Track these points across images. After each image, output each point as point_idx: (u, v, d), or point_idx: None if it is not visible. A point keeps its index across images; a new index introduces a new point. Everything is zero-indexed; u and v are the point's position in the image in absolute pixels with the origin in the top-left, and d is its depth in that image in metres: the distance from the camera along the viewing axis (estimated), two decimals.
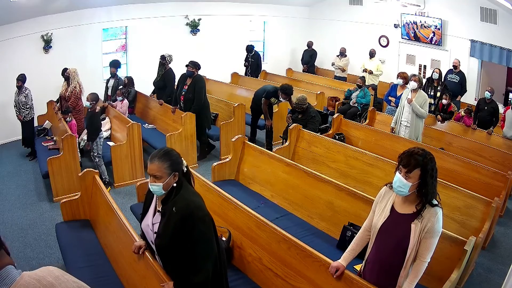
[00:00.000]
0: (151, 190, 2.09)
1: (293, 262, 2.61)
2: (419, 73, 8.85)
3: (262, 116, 6.28)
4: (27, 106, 5.78)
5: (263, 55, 10.57)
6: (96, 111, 5.00)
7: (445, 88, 6.64)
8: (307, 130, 5.09)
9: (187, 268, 2.07)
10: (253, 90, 6.71)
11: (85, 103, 5.02)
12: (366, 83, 7.85)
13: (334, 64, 9.43)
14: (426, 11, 8.53)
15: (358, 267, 2.57)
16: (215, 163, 4.41)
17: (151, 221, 2.17)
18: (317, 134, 5.21)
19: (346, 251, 2.38)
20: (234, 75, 9.13)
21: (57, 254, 3.72)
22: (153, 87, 6.95)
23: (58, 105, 6.13)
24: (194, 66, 5.76)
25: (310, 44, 10.08)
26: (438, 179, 2.14)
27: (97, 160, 5.09)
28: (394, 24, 9.25)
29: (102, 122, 5.97)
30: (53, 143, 5.68)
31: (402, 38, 9.22)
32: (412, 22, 8.83)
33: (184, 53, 8.03)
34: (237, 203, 3.15)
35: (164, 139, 5.47)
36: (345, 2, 10.22)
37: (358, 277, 2.29)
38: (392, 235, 2.12)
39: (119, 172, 5.21)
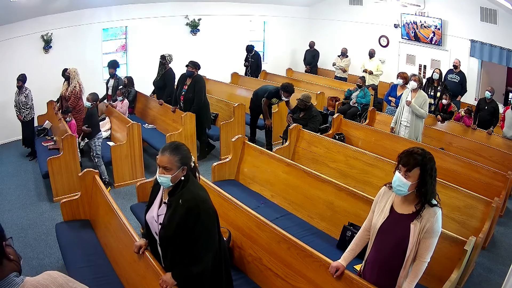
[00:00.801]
0: (159, 181, 2.14)
1: (293, 262, 2.61)
2: (419, 73, 8.85)
3: (262, 116, 6.29)
4: (27, 106, 5.78)
5: (263, 55, 10.56)
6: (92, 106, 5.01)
7: (445, 88, 6.64)
8: (307, 130, 5.10)
9: (187, 258, 2.12)
10: (253, 90, 6.71)
11: (86, 103, 5.03)
12: (366, 83, 7.85)
13: (335, 65, 9.43)
14: (426, 11, 8.53)
15: (358, 267, 2.57)
16: (215, 163, 4.41)
17: (156, 213, 2.21)
18: (317, 134, 5.21)
19: (346, 251, 2.38)
20: (234, 75, 9.13)
21: (57, 254, 3.72)
22: (153, 87, 6.95)
23: (58, 104, 6.13)
24: (194, 66, 5.77)
25: (312, 45, 10.07)
26: (438, 179, 2.14)
27: (96, 160, 5.09)
28: (394, 24, 9.25)
29: (102, 122, 5.99)
30: (53, 143, 5.68)
31: (402, 38, 9.22)
32: (412, 22, 8.83)
33: (184, 53, 8.03)
34: (237, 203, 3.15)
35: (164, 139, 5.46)
36: (345, 2, 10.22)
37: (358, 277, 2.29)
38: (392, 235, 2.12)
39: (119, 172, 5.21)
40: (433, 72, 6.69)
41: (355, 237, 2.40)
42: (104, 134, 5.79)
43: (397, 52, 9.44)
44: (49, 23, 6.92)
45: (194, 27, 9.01)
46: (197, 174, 2.29)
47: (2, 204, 4.78)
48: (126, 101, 6.39)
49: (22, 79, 5.68)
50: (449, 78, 7.36)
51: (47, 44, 7.03)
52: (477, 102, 6.81)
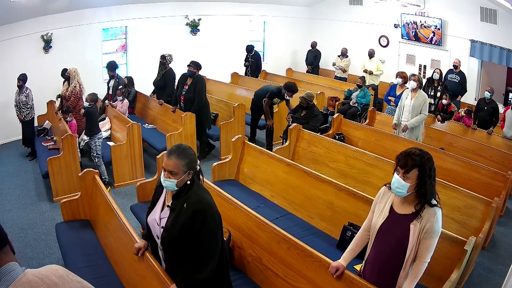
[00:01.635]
0: (164, 185, 2.10)
1: (293, 262, 2.61)
2: (419, 73, 8.85)
3: (263, 116, 6.28)
4: (28, 106, 5.78)
5: (263, 55, 10.56)
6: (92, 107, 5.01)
7: (445, 88, 6.64)
8: (307, 130, 5.10)
9: (190, 264, 2.08)
10: (253, 90, 6.71)
11: (85, 103, 5.03)
12: (366, 83, 7.85)
13: (335, 65, 9.43)
14: (426, 11, 8.53)
15: (358, 267, 2.57)
16: (215, 163, 4.41)
17: (159, 216, 2.17)
18: (317, 134, 5.21)
19: (346, 251, 2.38)
20: (234, 75, 9.13)
21: (57, 254, 3.72)
22: (153, 87, 6.95)
23: (58, 104, 6.13)
24: (195, 66, 5.77)
25: (314, 45, 10.06)
26: (438, 179, 2.14)
27: (96, 160, 5.10)
28: (394, 24, 9.25)
29: (102, 122, 5.99)
30: (53, 143, 5.68)
31: (402, 38, 9.22)
32: (412, 22, 8.83)
33: (184, 53, 8.04)
34: (237, 203, 3.15)
35: (164, 139, 5.47)
36: (345, 2, 10.22)
37: (358, 277, 2.29)
38: (392, 235, 2.12)
39: (119, 172, 5.21)
40: (433, 72, 6.69)
41: (355, 237, 2.40)
42: (104, 134, 5.79)
43: (397, 52, 9.44)
44: (49, 23, 6.92)
45: (194, 27, 9.01)
46: (201, 176, 2.26)
47: (2, 204, 4.78)
48: (126, 101, 6.39)
49: (22, 78, 5.68)
50: (449, 78, 7.36)
51: (47, 44, 7.03)
52: (477, 102, 6.81)
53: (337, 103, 7.80)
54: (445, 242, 2.78)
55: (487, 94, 6.10)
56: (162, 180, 2.09)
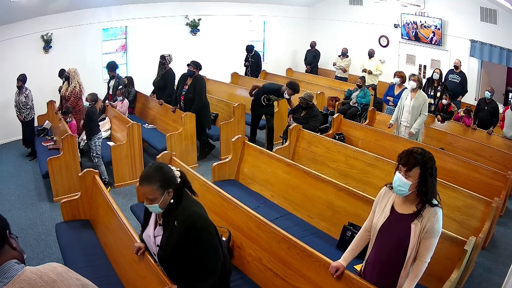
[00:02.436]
0: (149, 210, 2.07)
1: (293, 262, 2.61)
2: (419, 73, 8.85)
3: (264, 117, 6.27)
4: (27, 106, 5.78)
5: (263, 55, 10.56)
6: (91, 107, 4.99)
7: (445, 88, 6.64)
8: (307, 130, 5.10)
9: (193, 275, 2.04)
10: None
11: (85, 103, 5.03)
12: (366, 83, 7.85)
13: (335, 64, 9.43)
14: (426, 11, 8.53)
15: (358, 267, 2.57)
16: (215, 163, 4.40)
17: (153, 234, 2.15)
18: (317, 134, 5.21)
19: (346, 251, 2.38)
20: (234, 75, 9.13)
21: (57, 254, 3.72)
22: (153, 87, 6.94)
23: (58, 104, 6.13)
24: (195, 66, 5.77)
25: (313, 45, 10.07)
26: (438, 179, 2.14)
27: (96, 160, 5.09)
28: (394, 24, 9.25)
29: (102, 122, 5.99)
30: (53, 143, 5.68)
31: (402, 38, 9.22)
32: (412, 22, 8.83)
33: (184, 53, 8.04)
34: (237, 203, 3.14)
35: (164, 139, 5.47)
36: (345, 2, 10.22)
37: (358, 277, 2.29)
38: (392, 235, 2.12)
39: (119, 172, 5.21)
40: (433, 72, 6.69)
41: (356, 237, 2.40)
42: (104, 134, 5.79)
43: (397, 52, 9.44)
44: (49, 23, 6.92)
45: (194, 27, 9.01)
46: (190, 186, 2.15)
47: (2, 204, 4.78)
48: (126, 101, 6.39)
49: (22, 79, 5.68)
50: (450, 79, 7.37)
51: (47, 44, 7.03)
52: (477, 102, 6.81)
53: (337, 103, 7.80)
54: (445, 242, 2.78)
55: (487, 94, 6.10)
56: (146, 206, 2.05)
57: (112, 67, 6.70)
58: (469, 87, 7.61)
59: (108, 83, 6.87)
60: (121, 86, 6.56)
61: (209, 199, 3.35)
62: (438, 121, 6.39)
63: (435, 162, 2.08)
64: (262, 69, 9.64)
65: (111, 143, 5.49)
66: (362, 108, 7.33)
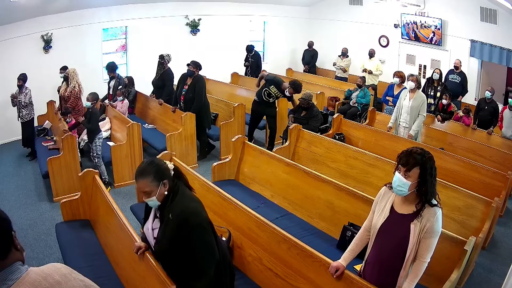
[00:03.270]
0: (148, 204, 2.12)
1: (293, 262, 2.61)
2: (419, 73, 8.86)
3: (264, 117, 6.27)
4: (24, 105, 5.75)
5: (263, 55, 10.57)
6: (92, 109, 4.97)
7: (445, 88, 6.64)
8: (307, 130, 5.10)
9: (188, 273, 2.06)
10: (253, 90, 6.71)
11: (85, 103, 5.02)
12: (366, 83, 7.85)
13: (335, 64, 9.43)
14: (426, 11, 8.53)
15: (358, 267, 2.57)
16: (215, 163, 4.41)
17: (151, 226, 2.18)
18: (317, 134, 5.21)
19: (346, 251, 2.38)
20: (234, 75, 9.13)
21: (57, 254, 3.72)
22: (152, 87, 6.94)
23: (58, 105, 6.12)
24: (195, 66, 5.76)
25: (311, 44, 10.07)
26: (438, 179, 2.14)
27: (96, 160, 5.09)
28: (394, 24, 9.25)
29: (102, 122, 5.99)
30: (53, 143, 5.67)
31: (402, 38, 9.22)
32: (412, 22, 8.83)
33: (184, 53, 8.04)
34: (237, 203, 3.14)
35: (164, 139, 5.47)
36: (345, 2, 10.22)
37: (358, 277, 2.29)
38: (392, 235, 2.13)
39: (119, 172, 5.21)
40: (433, 72, 6.69)
41: (355, 237, 2.40)
42: (104, 134, 5.79)
43: (397, 52, 9.44)
44: (49, 23, 6.92)
45: (194, 27, 9.01)
46: (185, 180, 2.19)
47: (2, 204, 4.77)
48: (126, 101, 6.39)
49: (23, 78, 5.67)
50: (450, 79, 7.37)
51: (47, 44, 7.03)
52: (477, 102, 6.80)
53: (337, 103, 7.80)
54: (445, 242, 2.77)
55: (487, 94, 6.10)
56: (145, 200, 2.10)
57: (111, 68, 6.70)
58: (469, 87, 7.61)
59: (109, 83, 6.87)
60: (120, 86, 6.56)
61: (209, 199, 3.35)
62: (438, 121, 6.39)
63: (434, 162, 2.08)
64: (262, 69, 9.62)
65: (111, 143, 5.49)
66: (362, 108, 7.33)
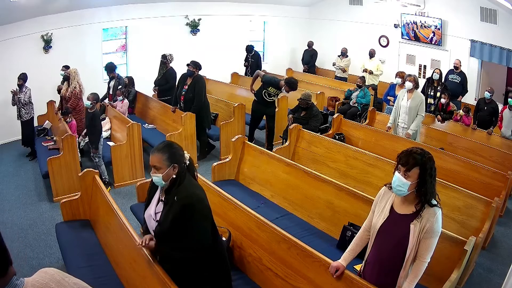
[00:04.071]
0: (153, 180, 2.19)
1: (293, 262, 2.61)
2: (419, 73, 8.86)
3: (264, 117, 6.27)
4: (23, 103, 5.74)
5: (263, 55, 10.57)
6: (93, 111, 4.93)
7: (445, 88, 6.64)
8: (307, 130, 5.10)
9: (176, 247, 2.16)
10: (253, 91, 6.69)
11: (86, 103, 5.01)
12: (367, 83, 7.85)
13: (335, 64, 9.43)
14: (426, 11, 8.53)
15: (358, 267, 2.57)
16: (215, 163, 4.41)
17: (154, 210, 2.24)
18: (317, 134, 5.21)
19: (346, 251, 2.38)
20: (234, 75, 9.13)
21: (57, 254, 3.72)
22: (153, 87, 6.93)
23: (58, 104, 6.12)
24: (195, 66, 5.77)
25: (310, 44, 10.08)
26: (438, 179, 2.14)
27: (97, 160, 5.09)
28: (394, 24, 9.25)
29: (102, 122, 5.97)
30: (53, 143, 5.68)
31: (402, 38, 9.22)
32: (412, 22, 8.83)
33: (184, 53, 8.03)
34: (237, 203, 3.15)
35: (164, 139, 5.46)
36: (345, 2, 10.22)
37: (358, 277, 2.29)
38: (392, 235, 2.12)
39: (119, 172, 5.21)
40: (433, 72, 6.69)
41: (355, 237, 2.40)
42: (104, 134, 5.78)
43: (397, 52, 9.44)
44: (49, 23, 6.92)
45: (194, 27, 9.01)
46: (195, 173, 2.30)
47: (2, 204, 4.78)
48: (126, 101, 6.39)
49: (23, 78, 5.67)
50: (450, 79, 7.36)
51: (47, 44, 7.03)
52: (476, 102, 6.80)
53: (337, 103, 7.80)
54: (445, 242, 2.78)
55: (487, 94, 6.10)
56: (151, 176, 2.18)
57: (110, 68, 6.70)
58: (469, 87, 7.60)
59: (108, 83, 6.87)
60: (120, 86, 6.56)
61: (209, 199, 3.29)
62: (438, 121, 6.39)
63: (434, 162, 2.08)
64: (262, 69, 9.62)
65: (111, 143, 5.49)
66: (362, 108, 7.33)
